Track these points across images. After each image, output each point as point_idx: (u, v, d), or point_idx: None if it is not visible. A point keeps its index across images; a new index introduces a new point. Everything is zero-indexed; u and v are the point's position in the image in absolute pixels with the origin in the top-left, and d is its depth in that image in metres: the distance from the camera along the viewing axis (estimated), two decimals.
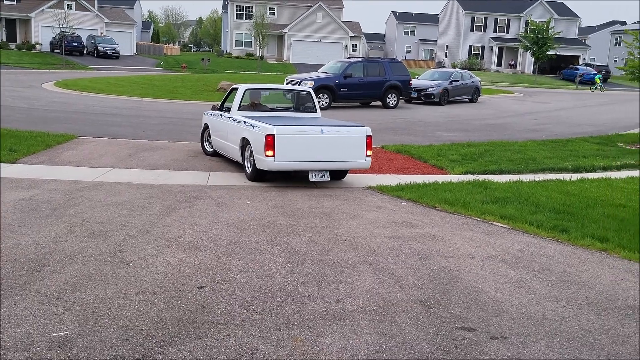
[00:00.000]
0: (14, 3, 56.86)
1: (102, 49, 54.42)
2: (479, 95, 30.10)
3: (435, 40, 79.35)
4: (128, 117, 18.91)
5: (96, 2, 61.05)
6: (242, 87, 11.52)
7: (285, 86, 13.88)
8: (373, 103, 25.85)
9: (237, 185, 9.73)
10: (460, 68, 59.05)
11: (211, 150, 12.31)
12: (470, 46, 66.60)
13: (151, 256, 5.66)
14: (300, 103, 12.15)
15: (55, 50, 53.59)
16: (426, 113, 24.07)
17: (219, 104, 12.21)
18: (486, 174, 11.72)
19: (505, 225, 7.68)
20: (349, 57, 26.35)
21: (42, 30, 56.00)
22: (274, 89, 13.28)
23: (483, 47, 66.88)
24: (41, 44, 55.94)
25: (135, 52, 64.12)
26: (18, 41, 56.93)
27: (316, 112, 11.72)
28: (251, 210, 7.95)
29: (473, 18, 66.11)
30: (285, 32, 65.12)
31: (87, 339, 3.82)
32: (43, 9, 55.34)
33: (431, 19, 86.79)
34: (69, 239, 6.13)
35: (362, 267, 5.63)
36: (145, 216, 7.29)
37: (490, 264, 5.92)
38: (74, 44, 53.41)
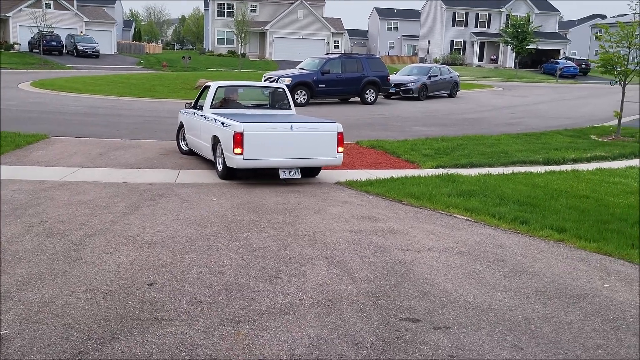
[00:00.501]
0: None
1: (81, 48, 54.00)
2: (458, 90, 30.25)
3: (418, 36, 79.54)
4: (103, 116, 18.78)
5: (75, 1, 60.54)
6: (214, 85, 11.41)
7: (258, 83, 13.82)
8: (352, 99, 25.88)
9: (206, 182, 9.69)
10: (442, 63, 59.32)
11: (187, 148, 12.19)
12: (452, 41, 66.85)
13: (106, 254, 5.64)
14: (275, 100, 12.07)
15: (34, 50, 53.08)
16: (404, 108, 24.15)
17: (193, 101, 12.10)
18: (457, 167, 11.79)
19: (467, 218, 7.74)
20: (327, 54, 26.33)
21: (20, 30, 55.41)
22: (246, 86, 13.17)
23: (465, 42, 67.17)
24: (20, 44, 55.37)
25: (115, 50, 63.67)
26: None
27: (290, 109, 11.62)
28: (216, 207, 7.94)
29: (454, 13, 66.35)
30: (267, 29, 64.99)
31: (25, 338, 3.81)
32: (21, 9, 54.76)
33: (413, 15, 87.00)
34: (24, 238, 6.09)
35: (318, 262, 5.65)
36: (107, 215, 7.26)
37: (445, 256, 5.97)
38: (53, 43, 52.93)
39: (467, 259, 5.92)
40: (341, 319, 4.30)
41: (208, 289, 4.81)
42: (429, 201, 8.61)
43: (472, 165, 12.04)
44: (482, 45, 66.74)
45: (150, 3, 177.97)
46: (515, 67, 60.28)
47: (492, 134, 16.64)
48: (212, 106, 11.03)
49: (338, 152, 9.71)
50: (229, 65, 53.37)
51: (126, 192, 8.73)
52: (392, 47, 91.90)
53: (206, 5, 71.93)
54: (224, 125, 9.56)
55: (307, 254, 5.88)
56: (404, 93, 27.22)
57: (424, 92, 27.56)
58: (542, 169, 11.64)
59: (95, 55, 54.38)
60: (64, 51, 54.54)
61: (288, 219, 7.41)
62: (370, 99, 24.93)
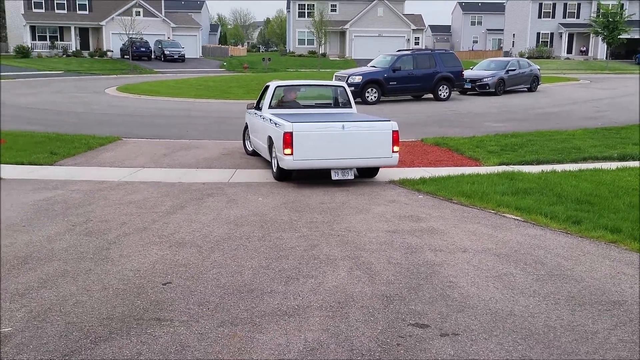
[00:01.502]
0: (87, 13, 59.45)
1: (168, 52, 56.16)
2: (539, 84, 28.94)
3: (503, 30, 77.04)
4: (177, 117, 19.37)
5: (163, 7, 62.98)
6: (272, 84, 11.34)
7: (317, 81, 13.62)
8: (425, 96, 25.37)
9: (259, 182, 9.70)
10: (527, 57, 57.16)
11: (251, 149, 12.16)
12: (538, 34, 64.20)
13: (134, 253, 5.74)
14: (335, 99, 11.81)
15: (125, 57, 55.73)
16: (479, 104, 23.40)
17: (255, 102, 12.04)
18: (522, 164, 11.27)
19: (517, 217, 7.33)
20: (398, 50, 25.92)
21: (113, 38, 58.28)
22: (305, 85, 12.93)
23: (552, 34, 64.33)
24: (112, 51, 58.28)
25: (200, 54, 65.70)
26: (91, 49, 59.49)
27: (351, 107, 11.30)
28: (259, 206, 7.93)
29: (541, 5, 63.67)
30: (346, 29, 64.99)
31: (26, 335, 3.91)
32: (113, 17, 57.57)
33: (498, 8, 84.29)
34: (64, 237, 6.30)
35: (342, 263, 5.50)
36: (150, 214, 7.41)
37: (479, 258, 5.65)
38: (142, 49, 55.42)
39: (502, 261, 5.58)
40: (345, 323, 4.14)
41: (220, 290, 4.78)
42: (480, 200, 8.23)
43: (538, 162, 11.46)
44: (570, 36, 63.67)
45: (236, 6, 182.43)
46: (606, 58, 57.10)
47: (568, 129, 15.77)
48: (270, 106, 10.93)
49: (393, 151, 9.34)
50: (309, 66, 53.77)
51: (177, 192, 8.89)
52: (476, 41, 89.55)
53: (288, 7, 72.86)
54: (276, 125, 9.48)
55: (333, 255, 5.74)
56: (480, 88, 26.37)
57: (501, 87, 26.57)
58: (615, 165, 10.89)
59: (181, 59, 56.41)
60: (153, 56, 56.95)
61: (327, 218, 7.29)
62: (444, 95, 24.31)
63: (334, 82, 12.75)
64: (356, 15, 65.00)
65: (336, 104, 11.62)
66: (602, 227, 6.61)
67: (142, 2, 59.57)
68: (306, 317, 4.23)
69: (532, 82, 28.28)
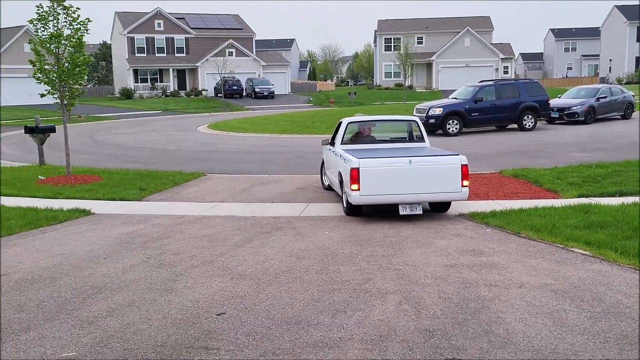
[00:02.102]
0: (184, 55, 62.92)
1: (258, 90, 58.25)
2: (633, 111, 27.64)
3: (599, 55, 74.24)
4: (260, 153, 20.07)
5: (254, 47, 65.57)
6: (344, 121, 11.58)
7: (389, 117, 13.73)
8: (510, 126, 24.88)
9: (329, 216, 9.89)
10: (626, 82, 54.70)
11: (327, 184, 12.33)
12: (637, 58, 61.33)
13: (197, 285, 6.10)
14: (408, 133, 11.87)
15: (218, 95, 58.40)
16: (566, 133, 22.67)
17: (330, 137, 12.22)
18: (603, 196, 10.86)
19: (585, 252, 7.13)
20: (481, 81, 25.65)
21: (207, 77, 61.26)
22: (377, 120, 12.99)
23: None
24: (207, 90, 61.22)
25: (289, 90, 67.61)
26: (187, 88, 62.73)
27: (424, 141, 11.31)
28: (324, 240, 8.15)
29: (639, 28, 60.96)
30: (433, 60, 64.90)
31: (86, 359, 4.28)
32: (207, 58, 60.59)
33: (593, 33, 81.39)
34: (137, 269, 6.78)
35: (392, 297, 5.59)
36: (220, 247, 7.80)
37: (534, 294, 5.57)
38: (234, 87, 57.83)
39: (557, 297, 5.48)
40: (381, 356, 4.24)
41: (269, 321, 5.01)
42: (549, 234, 8.05)
43: (621, 194, 11.00)
44: None
45: (326, 42, 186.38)
46: None
47: None
48: (343, 142, 11.16)
49: (463, 185, 9.25)
50: (394, 98, 54.01)
51: (249, 225, 9.27)
52: (570, 68, 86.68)
53: (375, 41, 73.85)
54: (345, 160, 9.68)
55: (385, 288, 5.85)
56: (568, 117, 25.53)
57: (592, 115, 25.59)
58: None
59: (271, 96, 58.32)
60: (244, 94, 59.25)
61: (388, 251, 7.39)
62: (529, 125, 23.75)
63: (406, 117, 12.69)
64: (443, 47, 64.87)
65: (410, 138, 11.63)
66: None
67: (234, 42, 62.35)
68: (345, 350, 4.38)
69: (626, 110, 27.05)
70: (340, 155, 10.25)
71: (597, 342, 4.45)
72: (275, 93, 59.47)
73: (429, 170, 9.19)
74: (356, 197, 9.12)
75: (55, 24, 13.52)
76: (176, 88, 62.03)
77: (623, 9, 63.36)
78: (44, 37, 13.50)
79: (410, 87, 63.52)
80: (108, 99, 58.64)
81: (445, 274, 6.33)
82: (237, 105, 51.73)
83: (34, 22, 13.54)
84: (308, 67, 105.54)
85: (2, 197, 12.09)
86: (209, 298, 5.66)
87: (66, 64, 13.63)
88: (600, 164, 14.35)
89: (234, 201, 11.56)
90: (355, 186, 9.06)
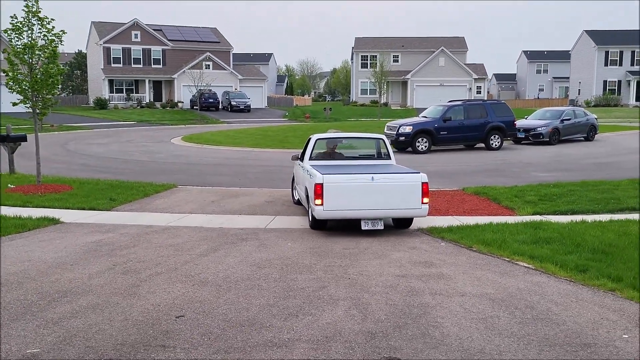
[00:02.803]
0: (160, 66, 63.03)
1: (235, 103, 58.57)
2: (596, 133, 28.62)
3: (569, 78, 76.20)
4: (231, 166, 20.36)
5: (231, 60, 65.96)
6: (313, 138, 11.89)
7: (357, 134, 14.12)
8: (478, 145, 25.58)
9: (294, 228, 10.22)
10: (594, 105, 56.21)
11: (297, 198, 12.56)
12: (605, 81, 63.15)
13: (160, 290, 6.42)
14: (375, 150, 12.22)
15: (194, 107, 58.55)
16: (531, 154, 23.41)
17: (300, 153, 12.50)
18: (555, 214, 11.40)
19: (529, 266, 7.61)
20: (450, 101, 26.37)
21: (184, 90, 61.42)
22: (344, 137, 13.36)
23: (619, 81, 63.12)
24: (182, 102, 61.34)
25: (266, 104, 68.03)
26: (163, 100, 62.79)
27: (389, 158, 11.71)
28: (286, 250, 8.50)
29: (607, 52, 62.83)
30: (408, 78, 65.98)
31: (50, 356, 4.60)
32: (184, 70, 60.78)
33: (564, 56, 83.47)
34: (103, 275, 7.07)
35: (342, 303, 5.98)
36: (185, 256, 8.11)
37: (473, 302, 6.00)
38: (210, 100, 58.09)
39: (494, 305, 5.92)
40: (324, 355, 4.62)
41: (225, 323, 5.36)
42: (498, 248, 8.53)
43: (573, 212, 11.56)
44: (639, 84, 62.23)
45: (304, 58, 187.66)
46: None
47: (615, 179, 15.67)
48: (311, 157, 11.49)
49: (423, 202, 9.56)
50: (369, 115, 54.76)
51: (215, 236, 9.58)
52: (542, 89, 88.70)
53: (352, 58, 74.84)
54: (310, 176, 10.02)
55: (337, 296, 6.23)
56: (533, 138, 26.38)
57: (556, 137, 26.46)
58: None
59: (247, 109, 58.66)
60: (220, 107, 59.49)
61: (345, 262, 7.78)
62: (495, 145, 24.49)
63: (372, 135, 12.95)
64: (418, 65, 66.00)
65: (377, 156, 12.00)
66: (606, 276, 6.82)
67: (211, 55, 62.67)
68: (292, 349, 4.75)
69: (589, 132, 28.01)
70: (307, 171, 10.59)
71: (521, 344, 4.88)
72: (251, 107, 59.84)
73: (390, 187, 9.51)
74: (320, 211, 9.43)
75: (30, 35, 13.73)
76: (152, 99, 62.04)
77: (592, 33, 65.25)
78: (17, 47, 13.71)
79: (386, 104, 64.43)
80: (82, 109, 58.42)
81: (395, 283, 6.73)
82: (212, 118, 51.96)
83: (8, 32, 13.74)
84: (285, 81, 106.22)
85: None
86: (169, 302, 5.99)
87: (39, 75, 13.84)
88: (558, 184, 14.96)
89: (202, 213, 11.83)
90: (318, 201, 9.37)
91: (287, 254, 8.25)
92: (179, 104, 61.17)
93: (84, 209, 12.05)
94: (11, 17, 13.73)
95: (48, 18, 13.88)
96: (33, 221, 10.47)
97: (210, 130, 38.60)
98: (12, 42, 13.80)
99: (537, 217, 10.89)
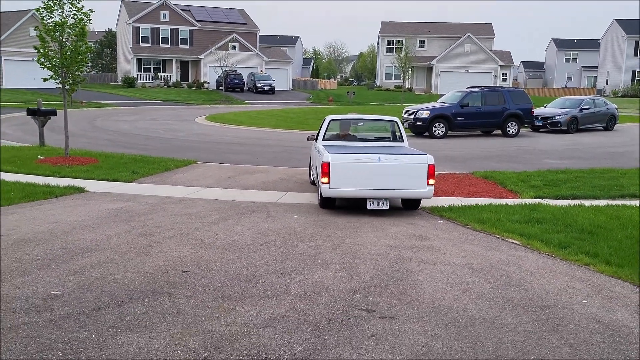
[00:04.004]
0: (188, 47, 63.88)
1: (259, 85, 59.20)
2: (615, 123, 28.64)
3: (597, 67, 75.27)
4: (251, 145, 21.01)
5: (258, 42, 66.52)
6: (327, 118, 12.40)
7: (371, 116, 14.56)
8: (495, 132, 25.86)
9: (303, 204, 10.79)
10: (621, 95, 55.60)
11: (312, 178, 12.86)
12: (634, 72, 62.33)
13: (170, 251, 7.08)
14: (388, 132, 12.66)
15: (220, 88, 59.37)
16: (547, 141, 23.65)
17: (315, 133, 12.89)
18: (557, 198, 11.77)
19: (516, 242, 8.09)
20: (469, 87, 26.62)
21: (210, 70, 62.24)
22: (359, 119, 13.81)
23: None
24: (208, 82, 62.20)
25: (291, 87, 68.55)
26: (189, 80, 63.71)
27: (402, 141, 12.05)
28: (291, 222, 9.10)
29: (637, 42, 61.95)
30: (433, 64, 65.87)
31: (70, 297, 5.30)
32: (211, 51, 61.53)
33: (594, 45, 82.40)
34: (121, 236, 7.76)
35: (334, 266, 6.57)
36: (197, 223, 8.77)
37: (454, 270, 6.55)
38: (236, 81, 58.80)
39: (473, 273, 6.45)
40: (309, 305, 5.23)
41: (225, 278, 5.99)
42: (492, 226, 9.00)
43: (574, 197, 11.92)
44: None
45: (331, 41, 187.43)
46: None
47: (623, 167, 15.94)
48: (324, 138, 11.93)
49: (428, 184, 9.79)
50: (393, 100, 54.97)
51: (227, 207, 10.23)
52: (570, 78, 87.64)
53: (378, 42, 74.85)
54: (320, 155, 10.55)
55: (331, 260, 6.82)
56: (551, 126, 26.55)
57: (574, 125, 26.60)
58: None
59: (272, 91, 59.30)
60: (245, 88, 60.18)
61: (345, 233, 8.35)
62: (512, 132, 24.76)
63: (386, 117, 13.25)
64: (443, 51, 65.85)
65: (391, 138, 12.39)
66: (585, 252, 7.29)
67: (238, 37, 63.32)
68: (280, 300, 5.37)
69: (608, 121, 28.06)
70: (318, 150, 11.13)
71: (487, 304, 5.43)
72: (276, 89, 60.45)
73: (396, 168, 9.81)
74: (326, 189, 9.82)
75: (60, 13, 14.47)
76: (178, 79, 63.01)
77: (623, 22, 64.33)
78: (49, 24, 14.46)
79: (410, 89, 64.51)
80: (111, 87, 59.64)
81: (387, 252, 7.30)
82: (237, 99, 52.71)
83: (40, 10, 14.50)
84: (311, 64, 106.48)
85: (3, 172, 13.07)
86: (178, 260, 6.65)
87: (69, 52, 14.59)
88: (565, 170, 15.28)
89: (218, 187, 12.47)
90: (325, 179, 9.76)
91: (292, 225, 8.84)
92: (205, 85, 62.04)
93: (107, 180, 12.79)
94: None
95: None
96: (60, 189, 11.23)
97: (234, 110, 39.32)
98: (43, 20, 14.56)
99: (535, 201, 11.29)
